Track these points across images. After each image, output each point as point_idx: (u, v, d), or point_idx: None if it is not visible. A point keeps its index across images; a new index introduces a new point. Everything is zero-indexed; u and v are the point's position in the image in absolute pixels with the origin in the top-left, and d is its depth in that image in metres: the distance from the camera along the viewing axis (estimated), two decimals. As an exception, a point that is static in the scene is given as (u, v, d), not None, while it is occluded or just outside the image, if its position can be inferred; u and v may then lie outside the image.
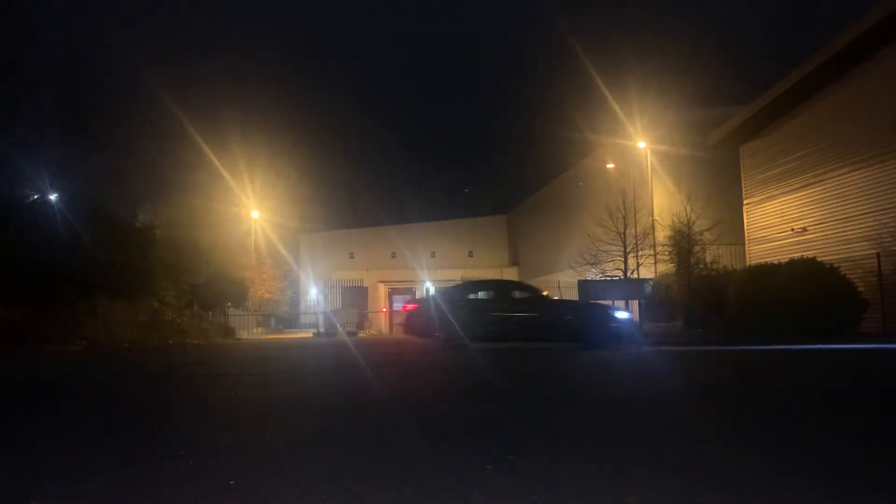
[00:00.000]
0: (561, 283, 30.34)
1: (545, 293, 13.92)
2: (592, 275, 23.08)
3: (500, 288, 14.27)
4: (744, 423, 3.76)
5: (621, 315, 13.49)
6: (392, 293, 41.35)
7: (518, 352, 11.43)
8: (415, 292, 40.66)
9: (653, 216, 23.91)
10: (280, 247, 34.46)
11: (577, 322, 12.41)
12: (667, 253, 22.08)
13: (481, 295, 13.58)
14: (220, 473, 2.58)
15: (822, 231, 17.79)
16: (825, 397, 4.96)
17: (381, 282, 40.49)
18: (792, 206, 18.98)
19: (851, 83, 16.99)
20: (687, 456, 2.81)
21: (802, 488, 2.30)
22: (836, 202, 17.37)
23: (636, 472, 2.51)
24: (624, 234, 22.52)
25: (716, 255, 21.41)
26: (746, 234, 21.00)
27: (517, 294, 13.72)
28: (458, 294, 13.69)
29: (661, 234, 22.81)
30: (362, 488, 2.33)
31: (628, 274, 22.44)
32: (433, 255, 41.14)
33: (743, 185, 21.22)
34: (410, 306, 15.41)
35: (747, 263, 19.97)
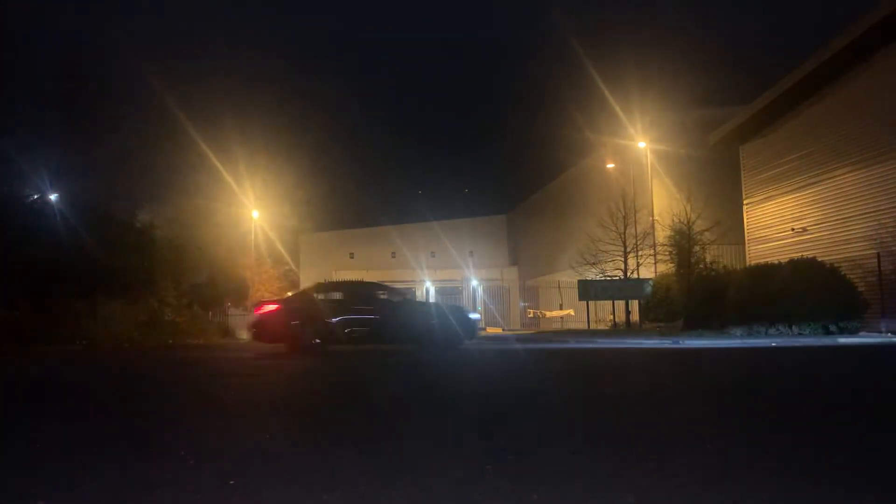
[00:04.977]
0: (561, 283, 30.36)
1: (407, 295, 13.86)
2: (592, 275, 23.06)
3: (355, 289, 14.20)
4: (745, 424, 3.76)
5: (474, 316, 14.37)
6: (392, 293, 41.30)
7: (370, 354, 11.50)
8: (414, 292, 40.69)
9: (653, 216, 23.90)
10: (280, 247, 34.46)
11: (432, 323, 12.63)
12: (667, 253, 22.06)
13: (336, 296, 13.34)
14: (220, 473, 2.58)
15: (822, 231, 17.79)
16: (825, 396, 4.96)
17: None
18: (792, 206, 18.98)
19: (851, 83, 16.98)
20: (690, 456, 2.81)
21: (790, 489, 2.30)
22: (836, 202, 17.37)
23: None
24: (624, 234, 22.51)
25: (716, 255, 21.39)
26: (746, 234, 20.99)
27: (375, 294, 13.63)
28: (311, 296, 13.47)
29: (661, 234, 22.80)
30: (362, 488, 2.33)
31: (628, 274, 22.43)
32: (433, 255, 41.13)
33: (743, 185, 21.21)
34: (270, 308, 13.21)
35: (747, 263, 19.96)
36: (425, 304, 16.21)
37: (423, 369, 8.37)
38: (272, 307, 13.15)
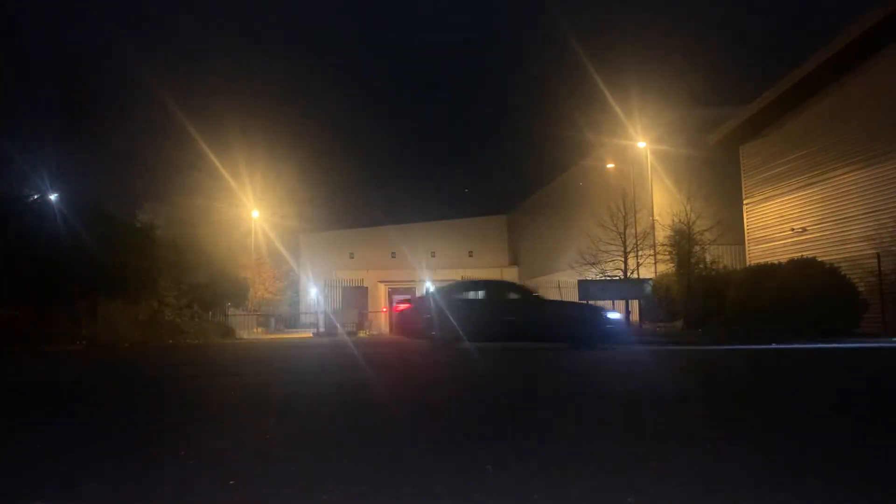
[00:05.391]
0: (561, 283, 30.35)
1: (537, 293, 13.79)
2: (592, 275, 23.08)
3: (493, 288, 14.26)
4: (745, 424, 3.76)
5: (614, 315, 13.50)
6: (392, 293, 41.36)
7: (512, 351, 11.38)
8: (414, 292, 40.70)
9: (653, 216, 23.91)
10: (280, 247, 34.46)
11: (570, 322, 12.41)
12: (667, 253, 22.07)
13: (474, 295, 13.54)
14: (220, 473, 2.58)
15: (822, 231, 17.79)
16: (825, 397, 4.96)
17: (381, 282, 40.50)
18: (792, 206, 18.99)
19: (851, 83, 16.99)
20: (690, 456, 2.81)
21: (802, 491, 2.30)
22: (836, 202, 17.37)
23: (636, 473, 2.52)
24: (624, 234, 22.51)
25: (716, 255, 21.40)
26: (746, 234, 21.00)
27: (510, 294, 13.73)
28: (451, 293, 13.63)
29: (661, 234, 22.81)
30: (362, 488, 2.33)
31: (628, 274, 22.43)
32: (433, 255, 41.15)
33: (743, 185, 21.22)
34: (403, 306, 15.09)
35: (747, 263, 19.97)
36: (561, 303, 15.52)
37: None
38: (405, 305, 14.14)
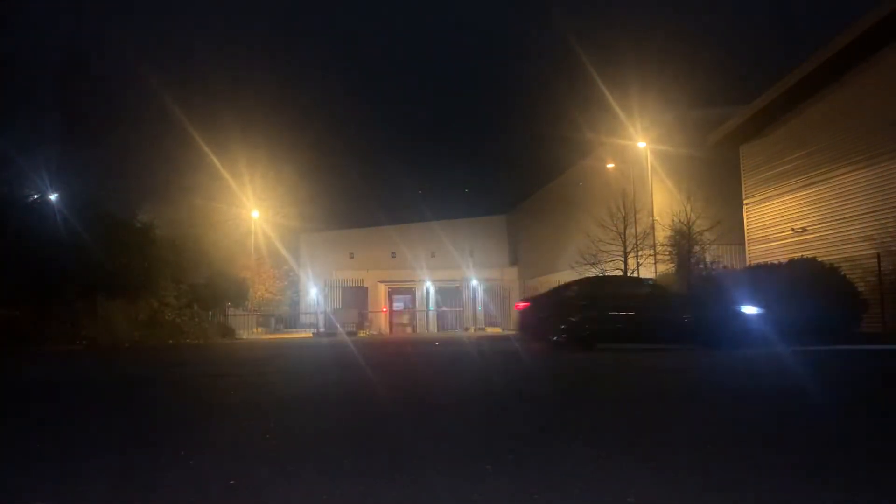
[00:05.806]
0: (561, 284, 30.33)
1: (666, 288, 12.52)
2: (592, 275, 23.08)
3: (615, 284, 13.23)
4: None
5: (751, 310, 11.62)
6: (392, 293, 41.36)
7: (645, 353, 10.33)
8: (414, 292, 40.67)
9: (653, 216, 23.91)
10: (280, 247, 34.44)
11: (702, 320, 11.14)
12: (667, 253, 22.07)
13: (600, 292, 12.52)
14: (220, 473, 2.58)
15: (822, 231, 17.78)
16: (813, 397, 4.95)
17: (381, 282, 40.49)
18: (792, 206, 18.98)
19: (851, 83, 16.98)
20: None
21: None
22: (836, 202, 17.36)
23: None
24: (624, 234, 22.52)
25: (716, 255, 21.39)
26: (746, 234, 20.99)
27: (640, 290, 12.58)
28: (574, 291, 12.69)
29: (661, 234, 22.81)
30: (362, 488, 2.33)
31: (628, 274, 22.44)
32: (433, 255, 41.12)
33: (743, 185, 21.20)
34: (523, 304, 13.82)
35: (747, 263, 19.96)
36: (693, 298, 13.97)
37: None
38: (525, 304, 13.25)
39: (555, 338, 11.63)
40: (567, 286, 13.65)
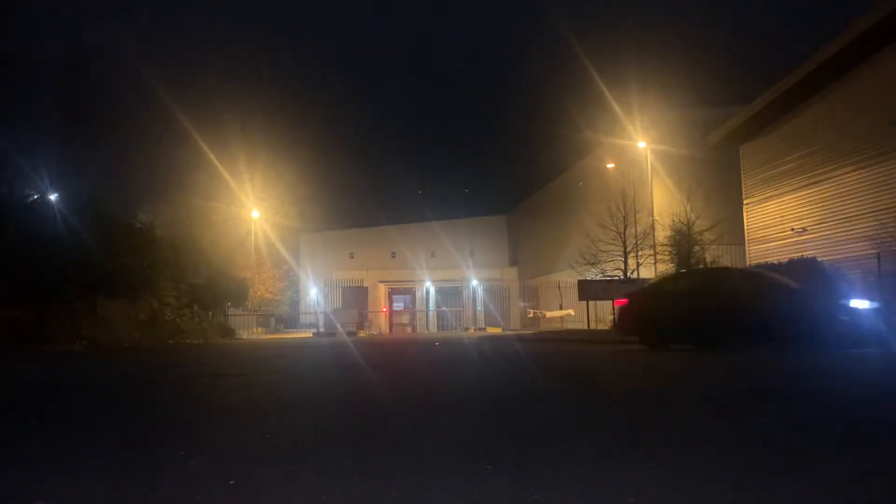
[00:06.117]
0: (561, 283, 30.36)
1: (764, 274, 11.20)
2: (592, 275, 23.10)
3: (724, 278, 12.00)
4: None
5: (859, 304, 10.15)
6: (392, 293, 41.36)
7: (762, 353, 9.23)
8: (414, 292, 40.66)
9: (653, 216, 23.92)
10: (280, 247, 34.43)
11: (805, 314, 9.86)
12: (667, 253, 22.08)
13: (700, 286, 11.54)
14: (220, 473, 2.58)
15: (822, 231, 17.78)
16: (813, 397, 4.95)
17: (381, 282, 40.51)
18: (792, 206, 18.98)
19: (851, 83, 16.98)
20: None
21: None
22: (836, 202, 17.36)
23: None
24: (624, 233, 22.53)
25: (716, 254, 21.39)
26: (746, 234, 20.99)
27: (749, 284, 11.36)
28: (671, 286, 11.91)
29: (661, 234, 22.82)
30: (362, 488, 2.33)
31: (628, 274, 22.45)
32: (433, 255, 41.14)
33: (743, 185, 21.21)
34: (621, 301, 12.83)
35: (747, 263, 19.95)
36: (807, 291, 10.94)
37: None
38: (623, 300, 12.23)
39: (662, 337, 10.66)
40: (666, 279, 12.76)
